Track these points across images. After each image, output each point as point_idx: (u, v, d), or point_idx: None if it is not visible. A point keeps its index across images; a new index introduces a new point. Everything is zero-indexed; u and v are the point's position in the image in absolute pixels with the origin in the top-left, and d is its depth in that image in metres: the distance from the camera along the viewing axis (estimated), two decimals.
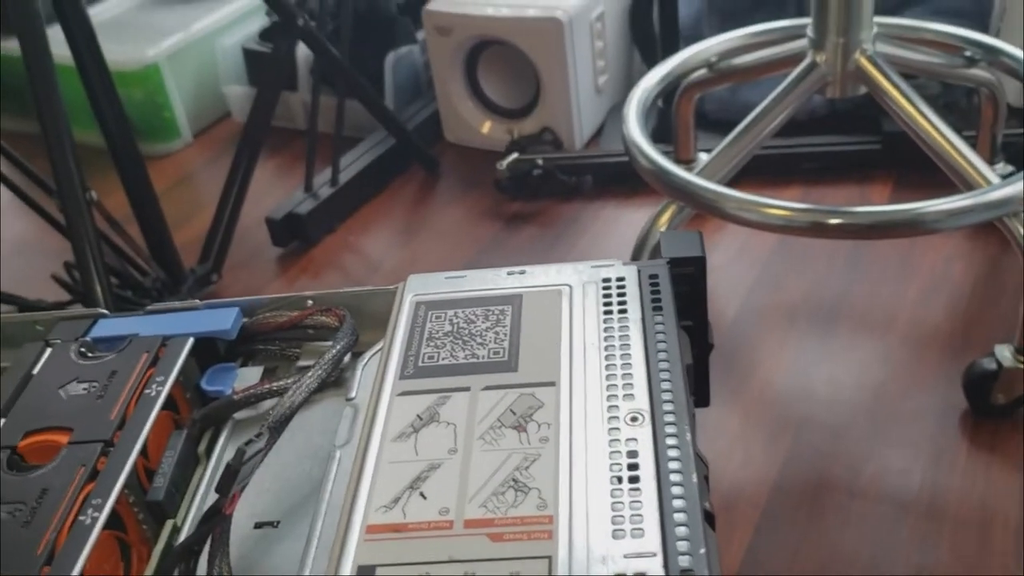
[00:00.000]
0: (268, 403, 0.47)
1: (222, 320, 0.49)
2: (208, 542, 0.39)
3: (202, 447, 0.47)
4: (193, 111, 1.53)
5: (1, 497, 0.40)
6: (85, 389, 0.45)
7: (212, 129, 1.58)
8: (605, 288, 0.46)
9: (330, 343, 0.48)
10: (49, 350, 0.48)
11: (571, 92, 1.31)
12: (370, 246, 1.32)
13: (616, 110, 1.40)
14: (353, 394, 0.46)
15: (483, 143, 1.39)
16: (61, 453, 0.42)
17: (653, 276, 0.47)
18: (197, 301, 0.51)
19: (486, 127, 1.39)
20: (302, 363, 0.51)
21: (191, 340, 0.48)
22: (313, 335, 0.51)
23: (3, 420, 0.44)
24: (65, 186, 0.91)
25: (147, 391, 0.45)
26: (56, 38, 0.96)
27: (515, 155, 1.28)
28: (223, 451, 0.47)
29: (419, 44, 1.47)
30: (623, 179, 1.24)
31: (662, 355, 0.42)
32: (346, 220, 1.34)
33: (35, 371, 0.47)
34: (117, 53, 1.33)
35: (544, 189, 1.30)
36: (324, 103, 1.28)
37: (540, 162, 1.27)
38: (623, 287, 0.46)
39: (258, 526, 0.42)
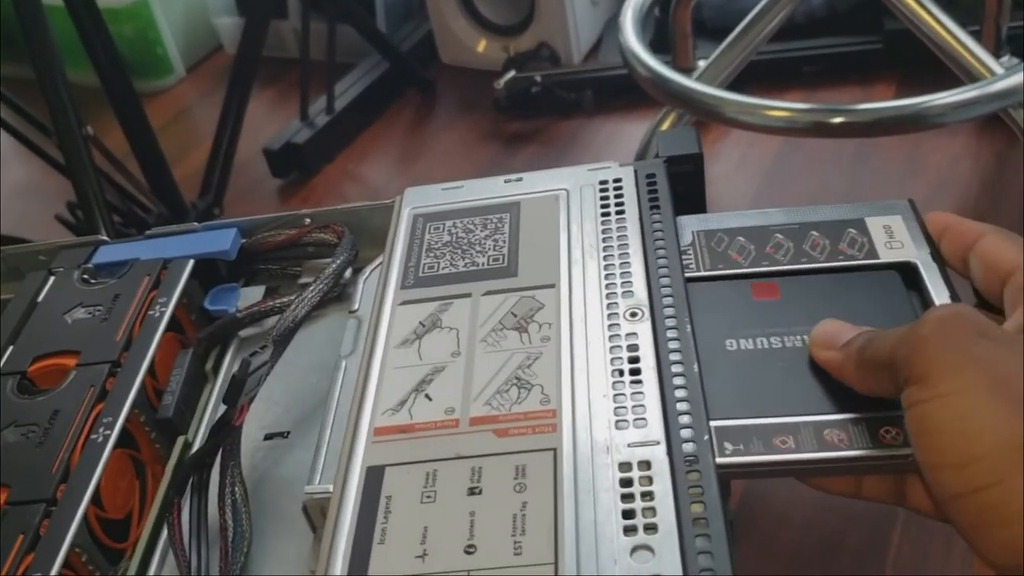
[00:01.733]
0: (272, 320, 0.48)
1: (221, 241, 0.49)
2: (219, 453, 0.39)
3: (209, 365, 0.47)
4: (185, 45, 1.51)
5: (14, 420, 0.41)
6: (89, 313, 0.45)
7: (205, 62, 1.57)
8: (602, 190, 0.46)
9: (330, 259, 0.48)
10: (52, 278, 0.49)
11: (567, 5, 1.29)
12: (370, 173, 1.31)
13: (613, 22, 1.37)
14: (356, 307, 0.46)
15: (479, 62, 1.37)
16: (70, 375, 0.42)
17: (650, 175, 0.46)
18: (196, 224, 0.51)
19: (481, 45, 1.37)
20: (303, 280, 0.51)
21: (191, 262, 0.48)
22: (313, 252, 0.51)
23: (11, 347, 0.45)
24: (61, 125, 0.91)
25: (151, 312, 0.45)
26: None
27: (512, 73, 1.26)
28: (230, 368, 0.47)
29: None
30: (623, 92, 1.22)
31: (660, 251, 0.42)
32: (344, 148, 1.33)
33: (39, 299, 0.47)
34: None
35: (543, 106, 1.28)
36: (315, 29, 1.26)
37: (538, 79, 1.26)
38: (620, 188, 0.46)
39: (268, 437, 0.43)
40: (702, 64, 1.02)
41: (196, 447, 0.43)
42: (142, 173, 1.15)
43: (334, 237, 0.50)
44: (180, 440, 0.43)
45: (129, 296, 0.46)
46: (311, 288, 0.45)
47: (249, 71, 1.20)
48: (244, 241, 0.51)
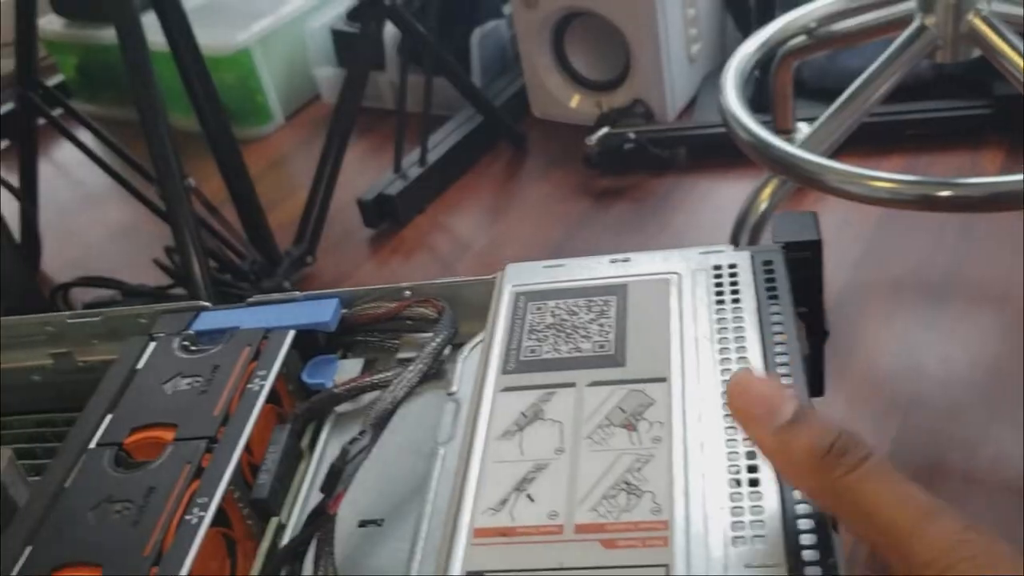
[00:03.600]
0: (369, 396, 0.46)
1: (322, 312, 0.48)
2: (313, 543, 0.38)
3: (305, 441, 0.46)
4: (284, 93, 1.54)
5: (110, 495, 0.40)
6: (189, 384, 0.45)
7: (303, 111, 1.59)
8: (716, 276, 0.44)
9: (429, 335, 0.46)
10: (153, 344, 0.48)
11: (663, 62, 1.27)
12: (460, 225, 1.31)
13: (709, 80, 1.35)
14: (454, 388, 0.45)
15: (571, 117, 1.36)
16: (167, 450, 0.41)
17: (767, 262, 0.44)
18: (297, 292, 0.50)
19: (574, 100, 1.36)
20: (402, 355, 0.49)
21: (292, 333, 0.47)
22: (411, 326, 0.50)
23: (109, 416, 0.44)
24: (164, 174, 0.92)
25: (250, 385, 0.44)
26: (151, 25, 0.97)
27: (605, 129, 1.25)
28: (326, 445, 0.46)
29: (505, 19, 1.45)
30: (718, 150, 1.20)
31: (779, 347, 0.39)
32: (435, 199, 1.33)
33: (139, 366, 0.47)
34: (209, 38, 1.34)
35: (635, 163, 1.26)
36: (412, 82, 1.27)
37: (632, 135, 1.24)
38: (735, 274, 0.44)
39: (362, 524, 0.41)
40: (801, 126, 0.99)
41: (290, 528, 0.42)
42: (239, 219, 1.17)
43: (434, 312, 0.48)
44: (273, 522, 0.41)
45: (229, 367, 0.45)
46: (410, 368, 0.44)
47: (347, 122, 1.21)
48: (344, 312, 0.50)
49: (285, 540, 0.41)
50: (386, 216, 1.28)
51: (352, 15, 1.49)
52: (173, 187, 0.92)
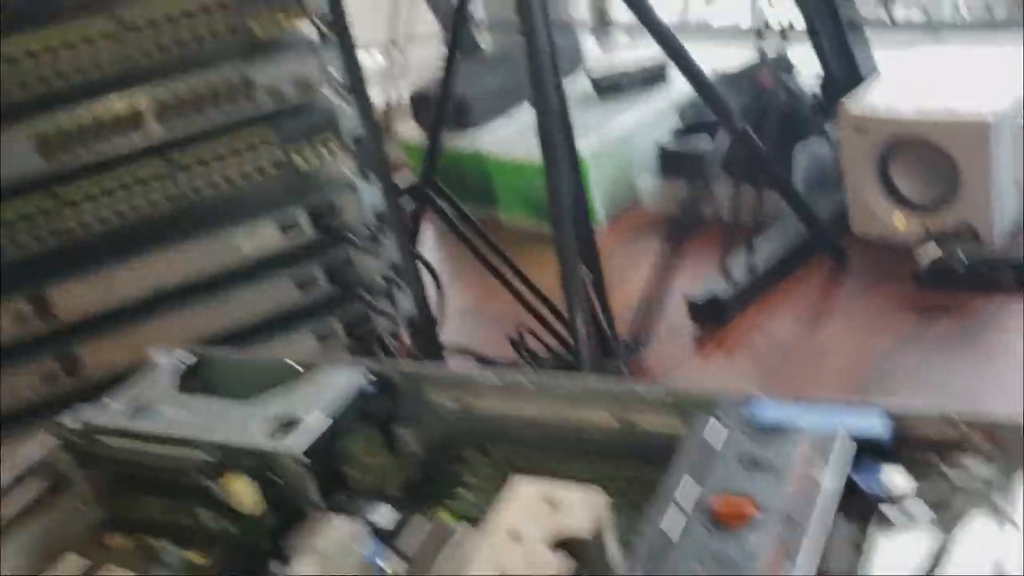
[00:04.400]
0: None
1: (875, 425, 0.50)
2: None
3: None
4: (608, 199, 1.68)
5: (714, 555, 0.43)
6: (755, 463, 0.48)
7: (623, 216, 1.73)
8: None
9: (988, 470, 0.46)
10: (714, 421, 0.51)
11: (992, 187, 1.32)
12: (778, 329, 1.38)
13: None
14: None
15: (892, 236, 1.42)
16: (754, 519, 0.45)
17: None
18: (839, 399, 0.52)
19: (899, 221, 1.42)
20: (956, 483, 0.48)
21: (854, 442, 0.49)
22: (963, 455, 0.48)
23: (689, 479, 0.52)
24: (568, 267, 1.06)
25: (814, 483, 0.46)
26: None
27: (935, 248, 1.31)
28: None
29: (826, 136, 1.54)
30: None
31: None
32: (755, 301, 1.42)
33: (710, 442, 0.50)
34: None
35: (961, 282, 1.31)
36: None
37: (964, 258, 1.29)
38: None
39: None
40: None
41: None
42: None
43: (989, 445, 0.48)
44: None
45: (794, 457, 0.48)
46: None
47: (685, 231, 1.34)
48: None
49: None
50: (712, 317, 1.38)
51: (678, 135, 1.64)
52: (572, 282, 1.06)
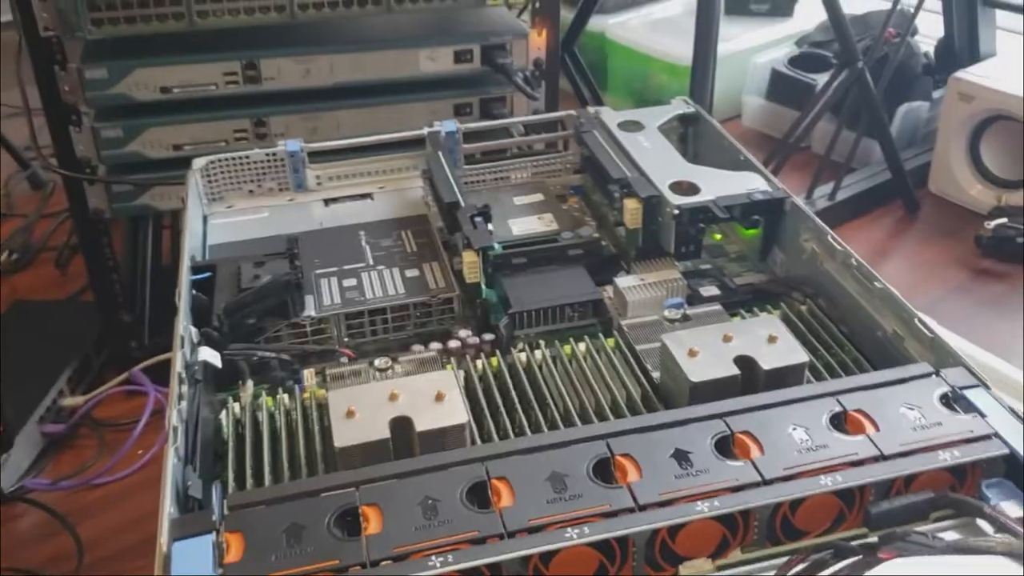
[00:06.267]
0: None
1: None
2: None
3: None
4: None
5: None
6: None
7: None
8: None
9: None
10: None
11: None
12: None
13: None
14: None
15: (965, 201, 1.53)
16: None
17: None
18: None
19: (974, 189, 1.53)
20: None
21: None
22: None
23: None
24: None
25: None
26: None
27: (1004, 220, 1.42)
28: None
29: (930, 103, 1.64)
30: None
31: None
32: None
33: None
34: (679, 50, 1.62)
35: (1018, 254, 1.43)
36: (825, 128, 1.49)
37: None
38: None
39: None
40: None
41: None
42: None
43: None
44: None
45: None
46: None
47: (788, 150, 1.45)
48: None
49: None
50: None
51: (793, 62, 1.73)
52: None
